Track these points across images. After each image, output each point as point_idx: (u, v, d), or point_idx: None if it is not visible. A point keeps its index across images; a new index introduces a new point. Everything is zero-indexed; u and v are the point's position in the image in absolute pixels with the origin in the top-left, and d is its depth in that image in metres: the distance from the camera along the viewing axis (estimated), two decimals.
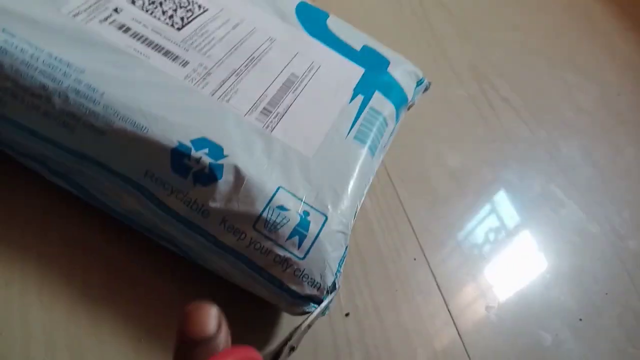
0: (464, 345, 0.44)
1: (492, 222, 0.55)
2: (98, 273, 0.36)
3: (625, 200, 0.64)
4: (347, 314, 0.41)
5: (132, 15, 0.38)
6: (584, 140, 0.70)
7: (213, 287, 0.38)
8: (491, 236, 0.53)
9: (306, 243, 0.33)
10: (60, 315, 0.33)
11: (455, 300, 0.47)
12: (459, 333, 0.45)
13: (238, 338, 0.36)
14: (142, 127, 0.33)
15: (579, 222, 0.59)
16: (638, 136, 0.74)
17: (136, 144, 0.33)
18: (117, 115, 0.33)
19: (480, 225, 0.54)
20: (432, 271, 0.47)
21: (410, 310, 0.44)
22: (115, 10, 0.38)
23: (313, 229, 0.34)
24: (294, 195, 0.34)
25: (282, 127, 0.37)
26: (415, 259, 0.48)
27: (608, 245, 0.58)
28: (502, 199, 0.58)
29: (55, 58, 0.33)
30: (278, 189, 0.34)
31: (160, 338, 0.35)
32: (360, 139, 0.40)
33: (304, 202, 0.34)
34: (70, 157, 0.34)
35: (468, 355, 0.44)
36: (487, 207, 0.56)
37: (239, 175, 0.33)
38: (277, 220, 0.33)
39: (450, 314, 0.45)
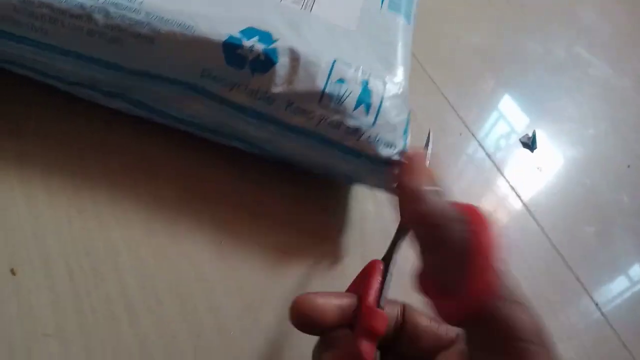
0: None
1: (525, 92, 0.55)
2: (167, 185, 0.36)
3: None
4: None
5: None
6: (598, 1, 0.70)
7: (285, 182, 0.38)
8: (528, 105, 0.54)
9: (372, 110, 0.34)
10: (139, 230, 0.34)
11: (510, 169, 0.48)
12: (521, 201, 0.46)
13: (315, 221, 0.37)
14: (189, 26, 0.32)
15: (608, 78, 0.60)
16: None
17: (187, 45, 0.32)
18: (161, 19, 0.32)
19: (516, 97, 0.54)
20: (480, 144, 0.48)
21: (467, 181, 0.45)
22: None
23: (375, 96, 0.34)
24: (350, 67, 0.34)
25: (318, 6, 0.37)
26: (460, 134, 0.48)
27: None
28: (530, 70, 0.58)
29: None
30: (334, 62, 0.34)
31: (241, 237, 0.35)
32: (395, 8, 0.40)
33: (361, 72, 0.34)
34: (123, 74, 0.34)
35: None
36: (518, 80, 0.56)
37: (294, 56, 0.33)
38: (341, 93, 0.33)
39: (509, 182, 0.46)
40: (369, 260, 0.29)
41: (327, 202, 0.39)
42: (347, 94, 0.33)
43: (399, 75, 0.36)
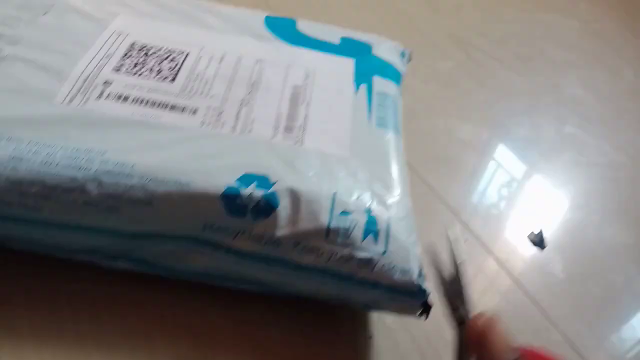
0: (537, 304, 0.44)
1: (524, 179, 0.55)
2: (165, 347, 0.34)
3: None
4: None
5: (123, 83, 0.37)
6: (581, 72, 0.71)
7: (297, 318, 0.37)
8: (528, 191, 0.54)
9: (381, 238, 0.33)
10: None
11: (516, 264, 0.47)
12: (527, 294, 0.45)
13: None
14: (185, 183, 0.32)
15: (606, 155, 0.61)
16: (629, 55, 0.77)
17: (185, 202, 0.32)
18: (156, 180, 0.32)
19: (512, 185, 0.54)
20: (485, 246, 0.47)
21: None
22: (106, 83, 0.37)
23: (382, 222, 0.34)
24: (351, 197, 0.34)
25: (309, 137, 0.37)
26: (466, 240, 0.47)
27: None
28: (525, 154, 0.58)
29: (72, 149, 0.32)
30: (334, 195, 0.33)
31: None
32: (382, 124, 0.40)
33: (362, 200, 0.34)
34: (123, 239, 0.33)
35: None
36: (515, 166, 0.57)
37: (294, 196, 0.33)
38: (346, 226, 0.33)
39: (512, 275, 0.46)
40: None
41: (344, 337, 0.37)
42: (352, 225, 0.33)
43: (401, 194, 0.36)
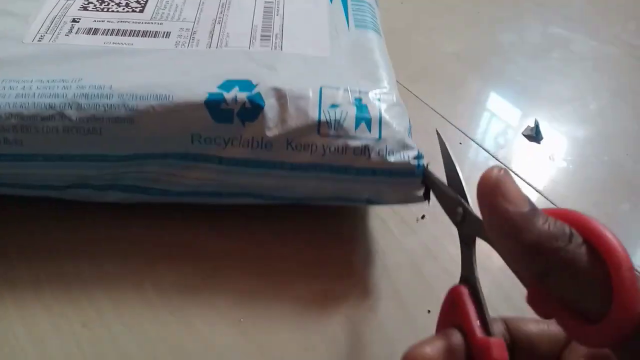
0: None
1: (514, 84, 0.54)
2: (168, 272, 0.33)
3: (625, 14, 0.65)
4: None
5: (92, 18, 0.36)
6: None
7: (292, 228, 0.36)
8: (519, 91, 0.53)
9: (374, 125, 0.32)
10: (150, 329, 0.30)
11: (520, 165, 0.45)
12: (543, 195, 0.43)
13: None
14: (166, 96, 0.31)
15: (594, 49, 0.60)
16: None
17: (168, 115, 0.31)
18: (136, 96, 0.31)
19: (505, 93, 0.53)
20: (483, 148, 0.46)
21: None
22: (74, 20, 0.36)
23: (373, 110, 0.33)
24: (339, 90, 0.33)
25: (288, 43, 0.36)
26: (460, 143, 0.46)
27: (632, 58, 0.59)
28: (512, 57, 0.57)
29: (47, 81, 0.31)
30: (321, 89, 0.33)
31: (260, 308, 0.32)
32: (361, 25, 0.39)
33: (350, 92, 0.33)
34: (111, 164, 0.32)
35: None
36: (504, 72, 0.56)
37: (279, 94, 0.32)
38: (337, 117, 0.32)
39: (524, 180, 0.44)
40: (402, 294, 0.29)
41: (342, 239, 0.36)
42: (343, 116, 0.32)
43: (389, 85, 0.35)
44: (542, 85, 0.54)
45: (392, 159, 0.32)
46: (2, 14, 0.36)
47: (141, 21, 0.36)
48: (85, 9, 0.37)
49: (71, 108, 0.30)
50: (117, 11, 0.37)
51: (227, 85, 0.32)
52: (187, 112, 0.31)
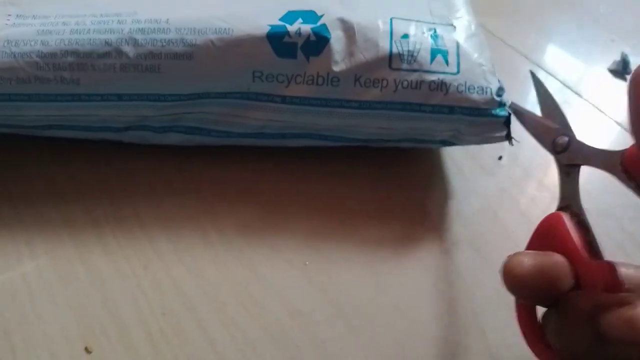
0: None
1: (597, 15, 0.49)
2: (227, 214, 0.31)
3: None
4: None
5: None
6: None
7: (360, 168, 0.34)
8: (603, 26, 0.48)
9: (452, 57, 0.29)
10: (211, 272, 0.29)
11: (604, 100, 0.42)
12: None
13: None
14: (225, 29, 0.29)
15: None
16: None
17: (229, 49, 0.29)
18: (194, 31, 0.29)
19: (586, 21, 0.49)
20: (569, 87, 0.42)
21: None
22: None
23: (449, 41, 0.30)
24: (410, 19, 0.30)
25: None
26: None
27: None
28: None
29: (100, 15, 0.30)
30: (391, 20, 0.30)
31: (325, 250, 0.30)
32: None
33: (423, 21, 0.30)
34: (170, 103, 0.30)
35: None
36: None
37: (346, 25, 0.29)
38: (410, 49, 0.29)
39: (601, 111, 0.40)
40: (478, 240, 0.28)
41: (414, 183, 0.34)
42: (417, 48, 0.29)
43: (466, 13, 0.32)
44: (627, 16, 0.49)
45: (472, 95, 0.29)
46: None
47: None
48: None
49: (128, 44, 0.29)
50: None
51: (290, 16, 0.29)
52: (248, 46, 0.29)
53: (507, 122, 0.30)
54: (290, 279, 0.29)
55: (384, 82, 0.29)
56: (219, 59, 0.29)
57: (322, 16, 0.29)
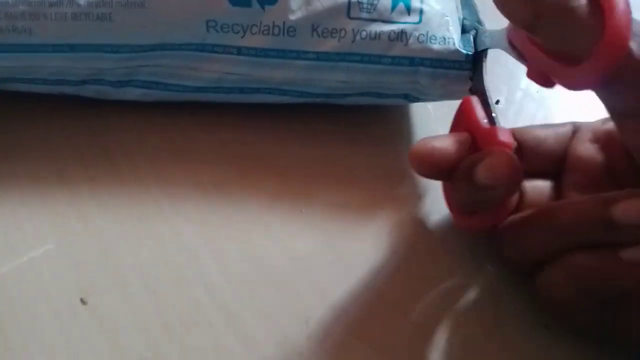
0: None
1: None
2: (216, 166, 0.31)
3: None
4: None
5: None
6: None
7: (326, 127, 0.33)
8: None
9: (414, 6, 0.28)
10: (211, 222, 0.29)
11: None
12: None
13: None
14: None
15: None
16: None
17: None
18: None
19: None
20: None
21: None
22: None
23: None
24: None
25: None
26: None
27: None
28: None
29: None
30: None
31: (321, 198, 0.30)
32: None
33: None
34: (124, 55, 0.29)
35: None
36: None
37: None
38: None
39: None
40: None
41: (384, 141, 0.33)
42: None
43: None
44: None
45: (433, 45, 0.27)
46: None
47: None
48: None
49: None
50: None
51: None
52: None
53: (471, 76, 0.28)
54: (289, 224, 0.29)
55: (342, 32, 0.28)
56: (171, 8, 0.28)
57: None
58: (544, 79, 0.23)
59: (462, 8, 0.32)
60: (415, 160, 0.25)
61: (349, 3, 0.27)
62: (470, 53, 0.28)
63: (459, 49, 0.28)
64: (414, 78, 0.28)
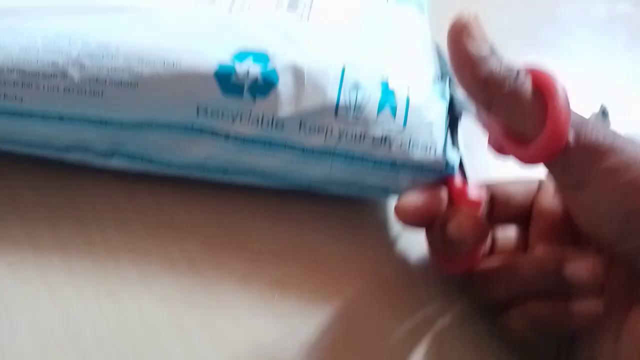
0: None
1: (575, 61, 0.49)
2: (195, 243, 0.31)
3: None
4: None
5: None
6: None
7: (309, 210, 0.33)
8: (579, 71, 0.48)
9: (400, 112, 0.29)
10: (177, 302, 0.29)
11: None
12: None
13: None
14: (174, 62, 0.28)
15: None
16: None
17: (175, 82, 0.28)
18: (142, 61, 0.28)
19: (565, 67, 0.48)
20: None
21: None
22: None
23: (400, 95, 0.29)
24: (363, 69, 0.30)
25: (315, 14, 0.32)
26: None
27: None
28: (574, 36, 0.51)
29: (54, 34, 0.29)
30: (343, 67, 0.29)
31: (293, 289, 0.30)
32: (402, 0, 0.35)
33: (377, 72, 0.30)
34: (112, 129, 0.30)
35: None
36: (564, 48, 0.50)
37: (296, 70, 0.29)
38: (359, 100, 0.29)
39: None
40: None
41: (361, 228, 0.34)
42: (365, 99, 0.29)
43: (423, 66, 0.31)
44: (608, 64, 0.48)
45: (414, 153, 0.28)
46: None
47: None
48: None
49: (74, 67, 0.28)
50: None
51: (241, 55, 0.29)
52: (194, 82, 0.28)
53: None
54: (257, 310, 0.29)
55: (329, 131, 0.29)
56: (163, 91, 0.29)
57: (273, 57, 0.29)
58: (501, 150, 0.27)
59: (438, 60, 0.34)
60: (400, 214, 0.29)
61: (337, 105, 0.28)
62: (451, 163, 0.29)
63: (440, 160, 0.29)
64: (395, 179, 0.29)
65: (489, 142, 0.27)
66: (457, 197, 0.29)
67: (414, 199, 0.29)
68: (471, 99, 0.26)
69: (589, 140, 0.23)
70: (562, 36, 0.51)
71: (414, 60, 0.32)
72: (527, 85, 0.24)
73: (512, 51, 0.47)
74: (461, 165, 0.30)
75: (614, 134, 0.24)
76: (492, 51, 0.25)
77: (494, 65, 0.24)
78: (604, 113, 0.40)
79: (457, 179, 0.29)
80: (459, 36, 0.24)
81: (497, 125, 0.26)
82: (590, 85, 0.46)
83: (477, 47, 0.24)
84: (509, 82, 0.24)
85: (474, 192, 0.29)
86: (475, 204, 0.28)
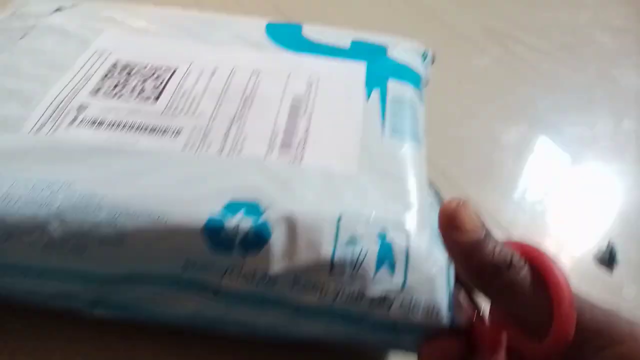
0: None
1: (583, 187, 0.48)
2: None
3: None
4: None
5: (100, 106, 0.33)
6: (637, 59, 0.63)
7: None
8: (589, 200, 0.47)
9: (399, 268, 0.27)
10: None
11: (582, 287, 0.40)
12: None
13: None
14: (160, 216, 0.27)
15: None
16: None
17: (161, 238, 0.27)
18: (127, 215, 0.27)
19: (571, 195, 0.47)
20: None
21: None
22: (80, 108, 0.33)
23: (399, 249, 0.28)
24: (360, 221, 0.28)
25: (310, 154, 0.31)
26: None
27: None
28: (581, 156, 0.51)
29: (36, 181, 0.28)
30: (339, 220, 0.28)
31: None
32: (398, 132, 0.34)
33: (374, 224, 0.28)
34: (96, 283, 0.28)
35: None
36: (571, 172, 0.49)
37: (290, 224, 0.27)
38: (355, 256, 0.27)
39: None
40: None
41: None
42: (362, 254, 0.27)
43: (422, 214, 0.30)
44: (616, 195, 0.47)
45: (417, 314, 0.27)
46: (6, 96, 0.33)
47: (153, 113, 0.33)
48: (95, 93, 0.33)
49: (55, 222, 0.27)
50: (130, 99, 0.33)
51: (232, 207, 0.28)
52: (182, 237, 0.27)
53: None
54: None
55: (324, 289, 0.27)
56: (150, 248, 0.27)
57: (265, 210, 0.28)
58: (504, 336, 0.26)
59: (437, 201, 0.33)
60: None
61: (332, 261, 0.27)
62: (457, 321, 0.28)
63: (444, 321, 0.27)
64: (395, 340, 0.28)
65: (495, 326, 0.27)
66: (481, 340, 0.27)
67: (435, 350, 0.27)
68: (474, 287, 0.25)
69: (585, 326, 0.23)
70: (572, 157, 0.51)
71: (413, 204, 0.30)
72: (525, 273, 0.24)
73: (520, 173, 0.46)
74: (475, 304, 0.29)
75: (609, 314, 0.23)
76: (486, 234, 0.24)
77: (487, 252, 0.23)
78: (611, 254, 0.38)
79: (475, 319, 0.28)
80: (448, 227, 0.24)
81: (500, 312, 0.26)
82: (606, 215, 0.45)
83: (468, 236, 0.24)
84: (505, 272, 0.23)
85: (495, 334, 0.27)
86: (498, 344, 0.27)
